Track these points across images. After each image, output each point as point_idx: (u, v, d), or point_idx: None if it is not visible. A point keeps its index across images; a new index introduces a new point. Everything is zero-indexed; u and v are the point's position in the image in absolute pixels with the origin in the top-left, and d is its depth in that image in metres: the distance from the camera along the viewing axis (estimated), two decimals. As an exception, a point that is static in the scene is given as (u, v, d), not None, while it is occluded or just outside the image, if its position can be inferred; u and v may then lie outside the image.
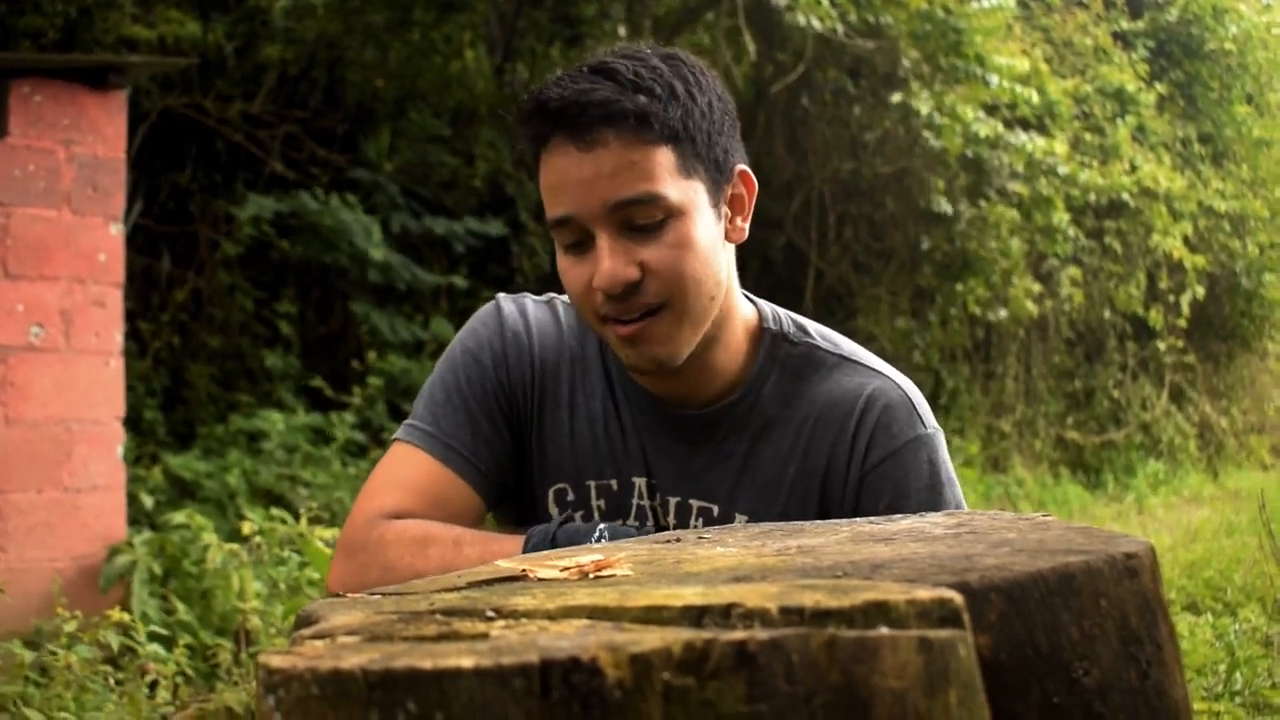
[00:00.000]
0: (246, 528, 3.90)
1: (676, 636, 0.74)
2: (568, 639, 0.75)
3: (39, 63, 4.38)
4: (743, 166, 1.69)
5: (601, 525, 1.61)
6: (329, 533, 3.94)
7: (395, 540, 1.63)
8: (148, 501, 4.78)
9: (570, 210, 1.57)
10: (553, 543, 1.57)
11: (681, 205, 1.58)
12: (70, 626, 3.22)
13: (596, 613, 0.86)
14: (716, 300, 1.66)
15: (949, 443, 8.72)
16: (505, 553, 1.56)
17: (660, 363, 1.62)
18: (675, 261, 1.58)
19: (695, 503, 1.73)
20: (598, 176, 1.55)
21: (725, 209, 1.66)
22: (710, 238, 1.62)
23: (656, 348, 1.61)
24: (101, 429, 4.30)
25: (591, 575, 1.04)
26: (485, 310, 1.82)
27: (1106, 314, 10.80)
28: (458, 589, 1.03)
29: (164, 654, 3.37)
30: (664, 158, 1.57)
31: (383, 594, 1.04)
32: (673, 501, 1.73)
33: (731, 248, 1.69)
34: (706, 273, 1.61)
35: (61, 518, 4.17)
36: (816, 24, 7.49)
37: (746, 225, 1.70)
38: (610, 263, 1.56)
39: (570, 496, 1.75)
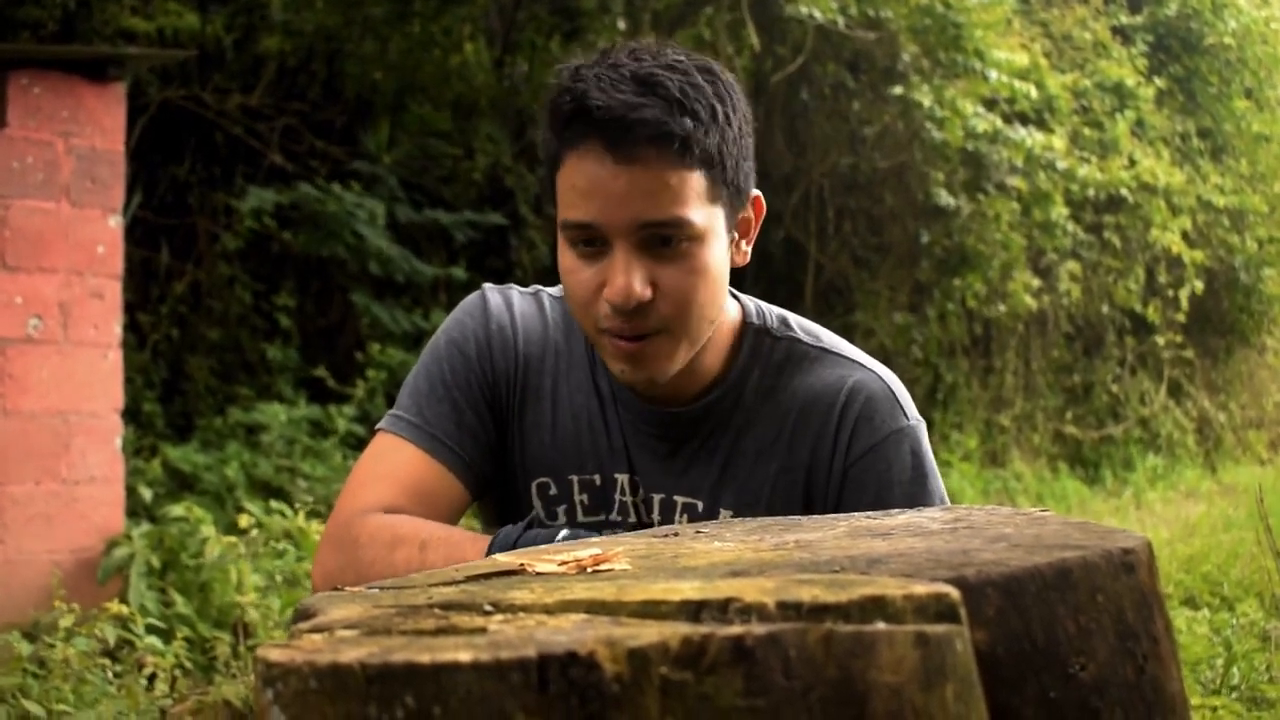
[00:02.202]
0: (244, 521, 3.90)
1: (674, 631, 0.74)
2: (565, 633, 0.75)
3: (38, 54, 4.38)
4: (756, 192, 1.70)
5: (564, 530, 1.59)
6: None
7: (368, 542, 1.63)
8: (146, 494, 4.78)
9: (595, 219, 1.56)
10: (515, 547, 1.56)
11: (703, 231, 1.58)
12: (68, 619, 3.22)
13: (594, 607, 0.86)
14: (714, 324, 1.67)
15: (947, 437, 8.69)
16: (469, 557, 1.55)
17: (652, 380, 1.63)
18: (687, 288, 1.58)
19: (680, 499, 1.73)
20: (631, 193, 1.53)
21: (735, 233, 1.67)
22: (721, 264, 1.63)
23: (652, 366, 1.61)
24: (100, 421, 4.30)
25: (589, 570, 1.04)
26: (470, 301, 1.82)
27: (1105, 309, 10.80)
28: (456, 583, 1.03)
29: (162, 647, 3.37)
30: (696, 183, 1.56)
31: (381, 588, 1.04)
32: (657, 498, 1.73)
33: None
34: (712, 299, 1.62)
35: (60, 510, 4.17)
36: (817, 15, 7.48)
37: (750, 249, 1.71)
38: (625, 279, 1.55)
39: (553, 490, 1.76)
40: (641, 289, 1.55)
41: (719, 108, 1.58)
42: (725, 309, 1.72)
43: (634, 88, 1.54)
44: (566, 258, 1.62)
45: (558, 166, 1.60)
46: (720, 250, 1.62)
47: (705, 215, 1.58)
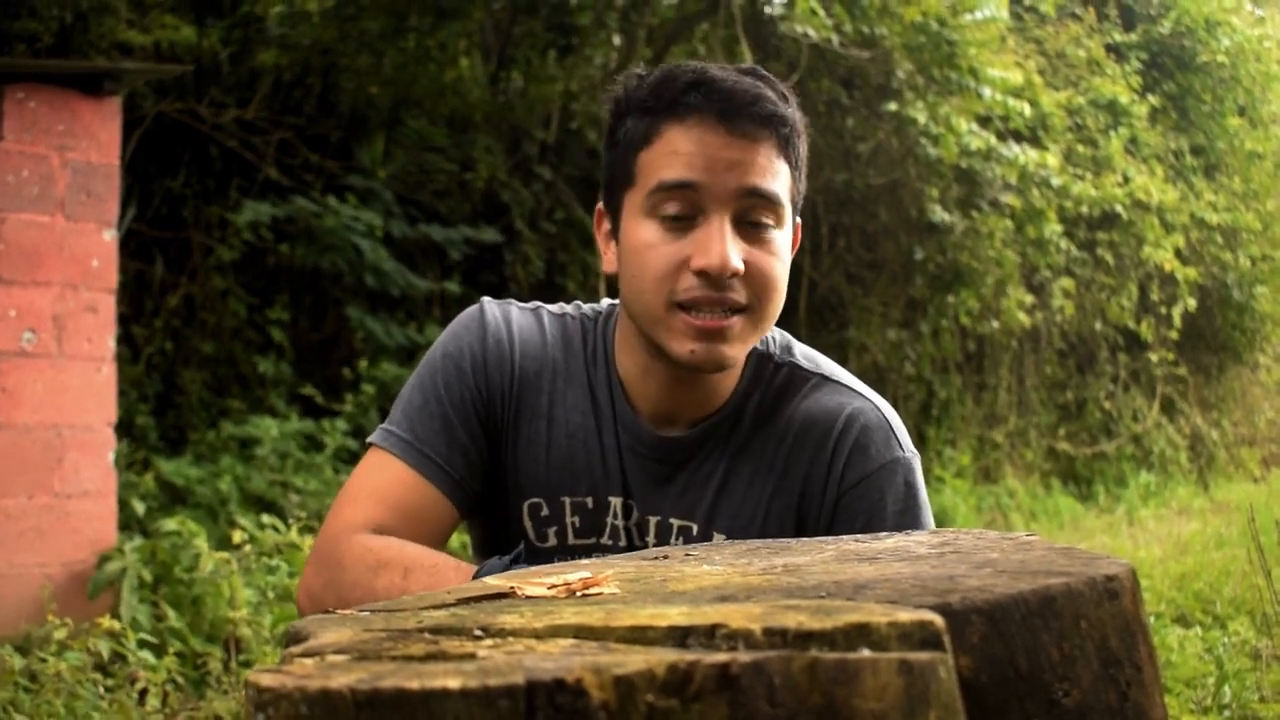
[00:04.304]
0: (237, 536, 3.89)
1: (660, 658, 0.75)
2: (553, 660, 0.76)
3: (34, 68, 4.39)
4: (799, 219, 1.74)
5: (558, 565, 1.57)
6: (319, 541, 3.94)
7: (351, 565, 1.62)
8: (139, 507, 4.78)
9: (699, 178, 1.59)
10: None
11: (786, 220, 1.65)
12: (61, 633, 3.22)
13: (582, 632, 0.87)
14: (773, 323, 1.70)
15: (940, 454, 8.66)
16: (452, 585, 1.54)
17: (721, 363, 1.64)
18: (771, 268, 1.63)
19: (675, 522, 1.73)
20: (743, 161, 1.59)
21: None
22: (789, 263, 1.68)
23: (727, 348, 1.62)
24: (93, 435, 4.30)
25: (578, 593, 1.05)
26: (468, 314, 1.81)
27: (1098, 326, 10.83)
28: (446, 606, 1.04)
29: (154, 661, 3.37)
30: (787, 177, 1.64)
31: (371, 610, 1.05)
32: (653, 521, 1.73)
33: None
34: (783, 289, 1.67)
35: (52, 524, 4.17)
36: (811, 34, 7.51)
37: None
38: (723, 246, 1.58)
39: (544, 511, 1.75)
40: (738, 260, 1.58)
41: (803, 120, 1.68)
42: None
43: (746, 76, 1.63)
44: (645, 231, 1.63)
45: (648, 142, 1.63)
46: (790, 250, 1.68)
47: (788, 210, 1.65)
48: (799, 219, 1.74)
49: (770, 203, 1.61)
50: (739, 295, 1.60)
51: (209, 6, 7.15)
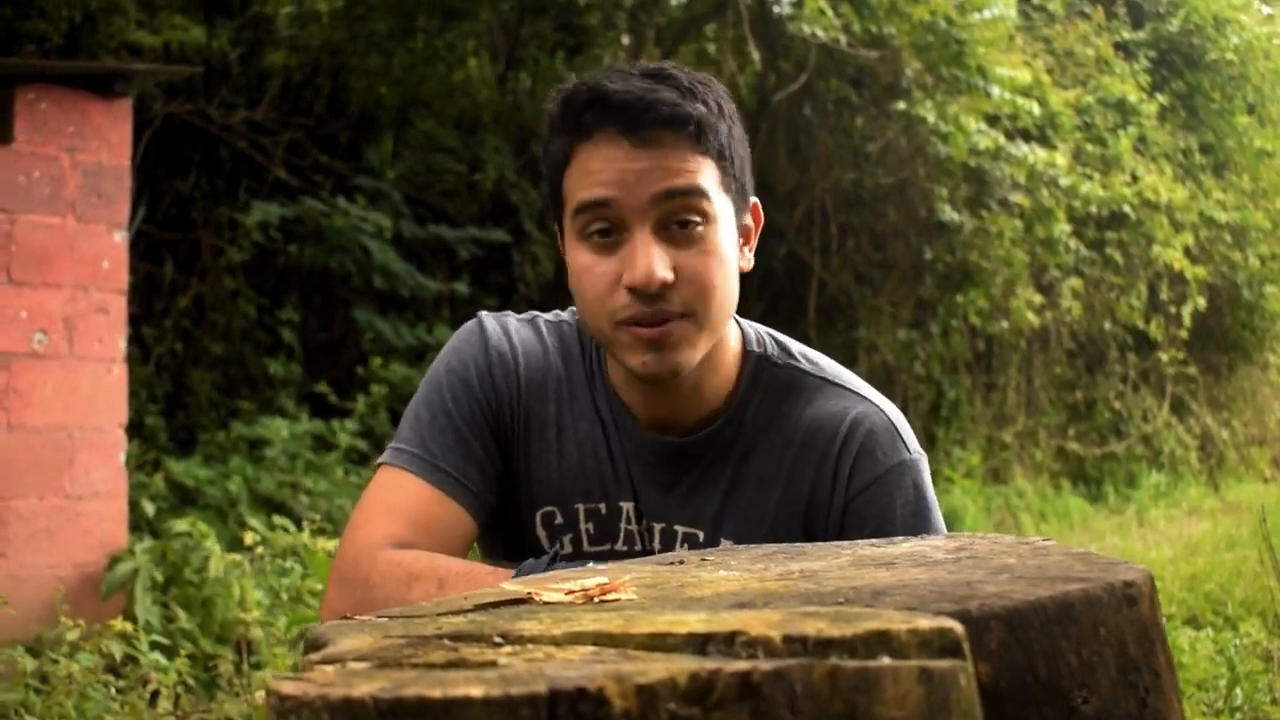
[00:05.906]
0: (248, 538, 3.90)
1: (682, 667, 0.75)
2: (575, 668, 0.76)
3: (44, 69, 4.40)
4: (755, 199, 1.72)
5: (592, 566, 1.57)
6: (331, 543, 3.95)
7: (381, 581, 1.58)
8: (149, 508, 4.79)
9: (612, 195, 1.57)
10: None
11: (718, 215, 1.60)
12: (73, 635, 3.23)
13: (601, 639, 0.86)
14: (729, 318, 1.67)
15: (950, 454, 8.64)
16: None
17: (676, 369, 1.61)
18: (706, 270, 1.59)
19: (680, 529, 1.71)
20: (651, 169, 1.56)
21: (740, 236, 1.68)
22: (734, 254, 1.64)
23: (676, 354, 1.59)
24: (103, 436, 4.31)
25: (596, 599, 1.04)
26: (467, 329, 1.79)
27: (1107, 325, 10.81)
28: (464, 612, 1.04)
29: (165, 663, 3.37)
30: (710, 170, 1.60)
31: (390, 617, 1.05)
32: (658, 528, 1.72)
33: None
34: (729, 287, 1.63)
35: (63, 525, 4.18)
36: (820, 34, 7.51)
37: (752, 256, 1.72)
38: (646, 260, 1.55)
39: (558, 520, 1.73)
40: (663, 271, 1.55)
41: (724, 105, 1.63)
42: (729, 325, 1.72)
43: (646, 79, 1.59)
44: (579, 255, 1.62)
45: (567, 164, 1.62)
46: (733, 241, 1.64)
47: (720, 202, 1.61)
48: (754, 199, 1.71)
49: (691, 197, 1.57)
50: (673, 304, 1.58)
51: (218, 7, 7.17)
